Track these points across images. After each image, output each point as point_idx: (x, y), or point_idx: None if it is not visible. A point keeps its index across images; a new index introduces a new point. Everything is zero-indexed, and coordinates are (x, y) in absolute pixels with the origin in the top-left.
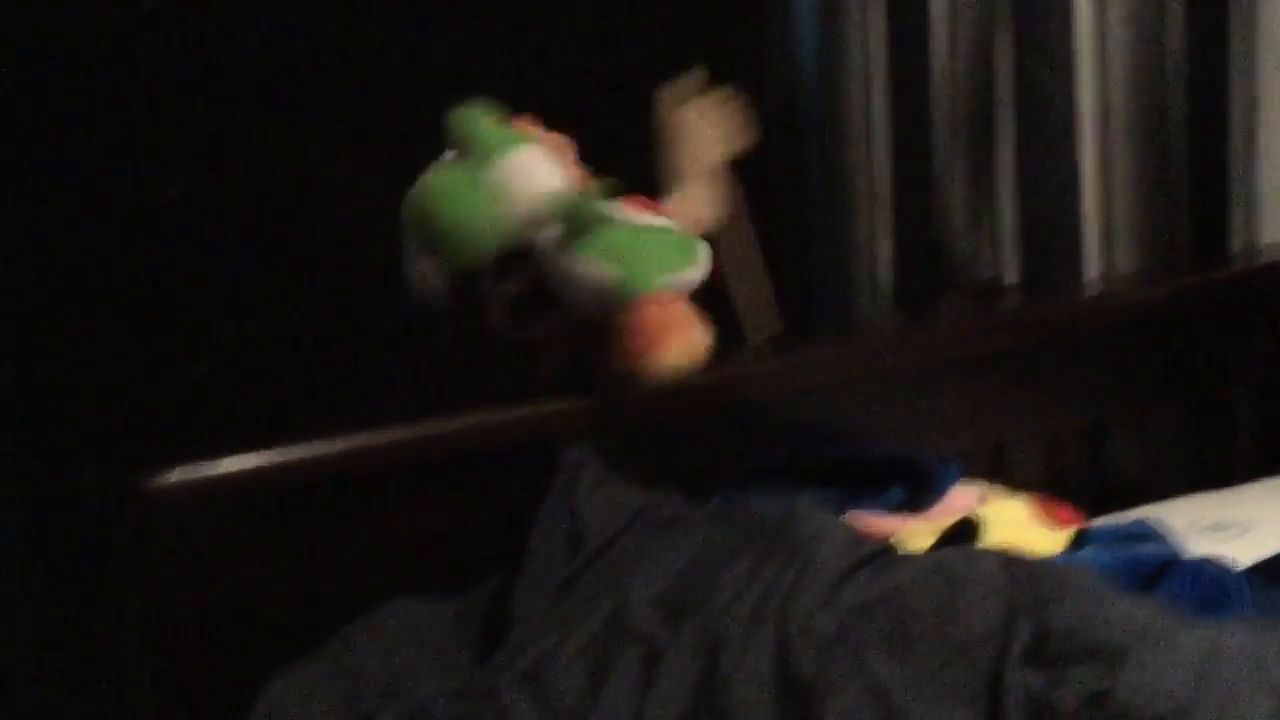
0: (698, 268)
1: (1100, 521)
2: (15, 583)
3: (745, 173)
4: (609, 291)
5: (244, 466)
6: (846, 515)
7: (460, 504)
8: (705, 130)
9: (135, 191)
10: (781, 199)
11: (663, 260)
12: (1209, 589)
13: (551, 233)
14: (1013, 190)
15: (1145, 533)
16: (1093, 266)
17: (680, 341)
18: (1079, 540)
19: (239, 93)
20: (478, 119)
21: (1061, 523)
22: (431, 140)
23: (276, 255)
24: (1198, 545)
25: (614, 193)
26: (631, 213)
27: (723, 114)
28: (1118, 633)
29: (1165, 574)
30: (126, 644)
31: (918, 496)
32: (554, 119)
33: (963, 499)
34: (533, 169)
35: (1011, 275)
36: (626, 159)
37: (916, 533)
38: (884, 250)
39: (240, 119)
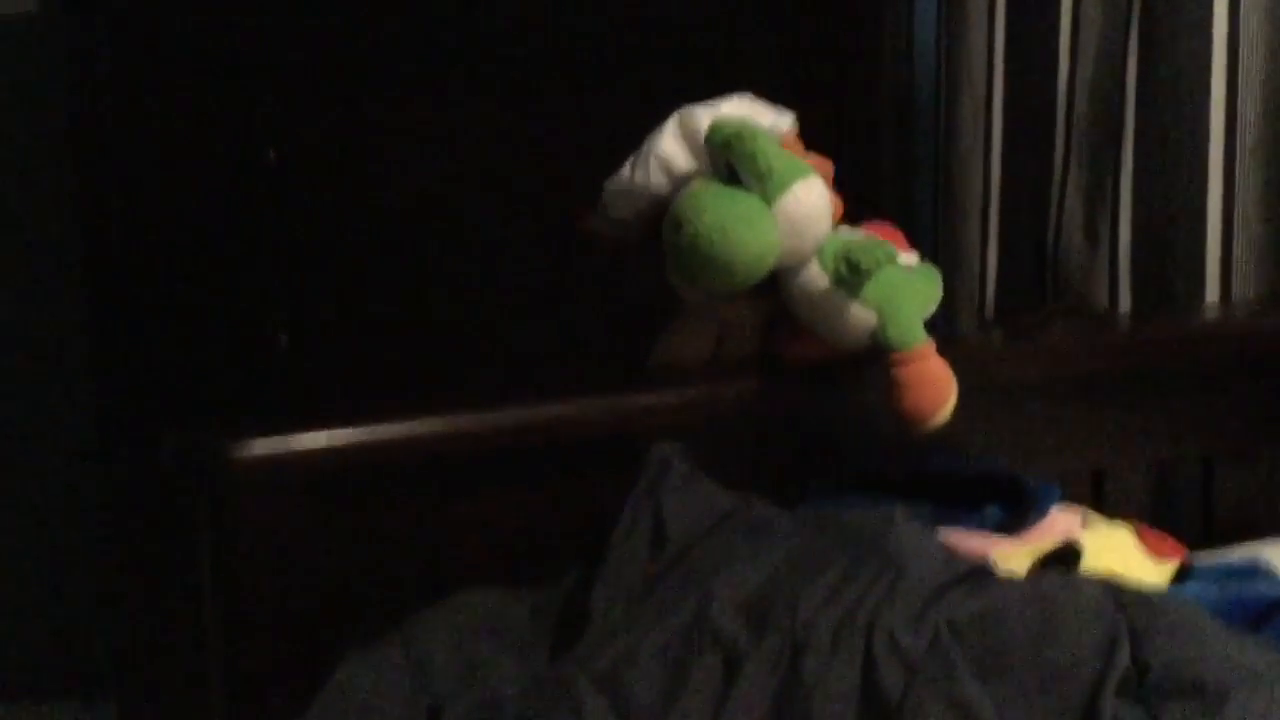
0: (936, 300)
1: (1206, 556)
2: (93, 551)
3: (855, 173)
4: (879, 340)
5: (327, 443)
6: (941, 532)
7: (543, 495)
8: None
9: (222, 164)
10: (891, 203)
11: (925, 306)
12: None
13: (817, 268)
14: (1131, 206)
15: (1254, 571)
16: (1213, 292)
17: (954, 393)
18: (1183, 574)
19: (325, 67)
20: (766, 143)
21: (1166, 555)
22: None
23: (366, 234)
24: None
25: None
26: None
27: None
28: (1220, 672)
29: (1274, 615)
30: (202, 616)
31: (1016, 517)
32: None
33: (1063, 523)
34: (819, 202)
35: (1125, 296)
36: None
37: (1014, 554)
38: (992, 262)
39: (330, 93)
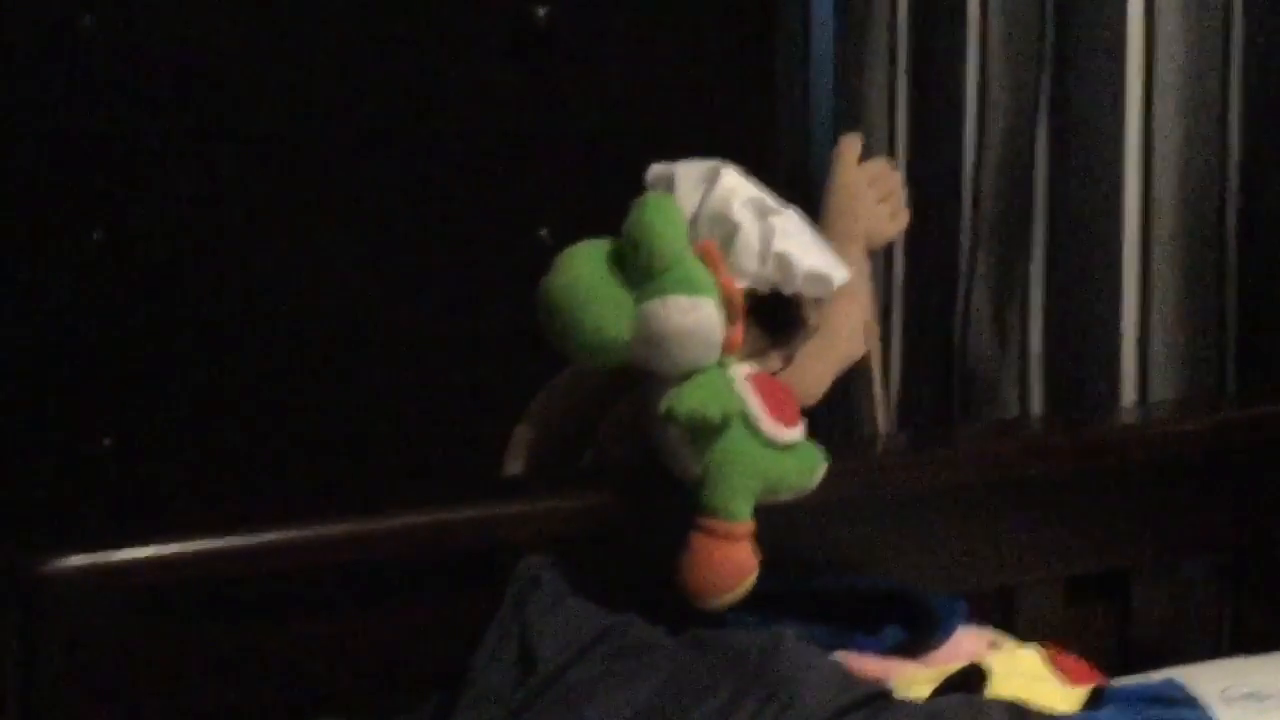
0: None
1: (1122, 680)
2: None
3: None
4: (694, 497)
5: (154, 554)
6: (836, 654)
7: (397, 613)
8: (874, 204)
9: (45, 246)
10: None
11: (770, 486)
12: None
13: (669, 401)
14: (1043, 300)
15: (1173, 695)
16: (1130, 393)
17: (745, 583)
18: (1097, 699)
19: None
20: (668, 237)
21: (1078, 679)
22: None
23: (199, 325)
24: (1230, 715)
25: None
26: (763, 405)
27: (898, 188)
28: None
29: None
30: None
31: (918, 638)
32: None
33: (969, 644)
34: (695, 328)
35: (1037, 397)
36: None
37: (915, 679)
38: (895, 359)
39: (161, 166)
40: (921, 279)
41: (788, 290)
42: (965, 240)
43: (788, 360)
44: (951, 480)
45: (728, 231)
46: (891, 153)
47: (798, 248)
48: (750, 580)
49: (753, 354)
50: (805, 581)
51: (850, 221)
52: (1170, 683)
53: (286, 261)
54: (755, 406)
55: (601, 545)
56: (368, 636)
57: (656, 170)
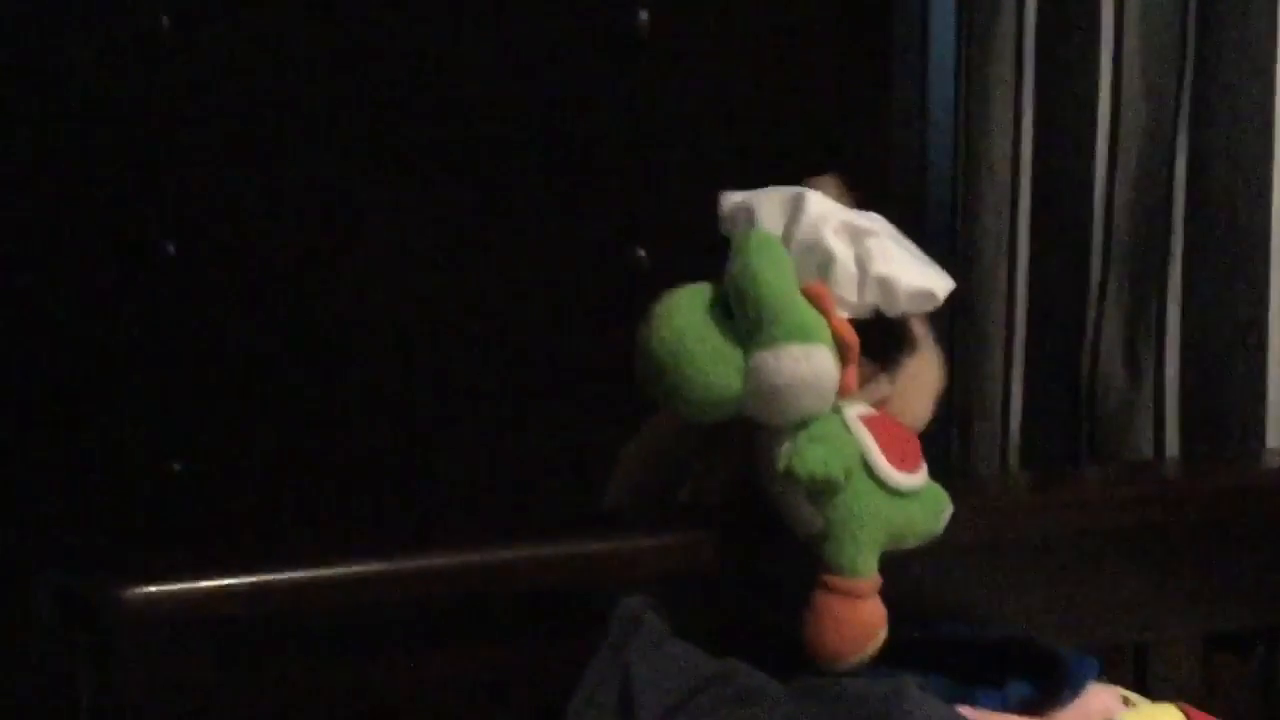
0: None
1: None
2: None
3: None
4: (815, 551)
5: (226, 586)
6: (959, 709)
7: (484, 652)
8: None
9: (113, 265)
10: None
11: (896, 537)
12: None
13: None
14: (1180, 333)
15: None
16: (1275, 435)
17: (876, 641)
18: None
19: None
20: (777, 284)
21: None
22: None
23: (274, 339)
24: None
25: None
26: (883, 450)
27: None
28: None
29: None
30: None
31: (1046, 695)
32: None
33: (1100, 701)
34: (810, 376)
35: (1174, 438)
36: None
37: None
38: (1016, 395)
39: (237, 177)
40: (1047, 305)
41: (892, 313)
42: (1096, 262)
43: (893, 382)
44: (1079, 525)
45: (822, 262)
46: (1014, 174)
47: (898, 268)
48: (881, 637)
49: (862, 381)
50: (924, 630)
51: None
52: None
53: (365, 281)
54: (875, 454)
55: (705, 586)
56: (456, 675)
57: (733, 201)
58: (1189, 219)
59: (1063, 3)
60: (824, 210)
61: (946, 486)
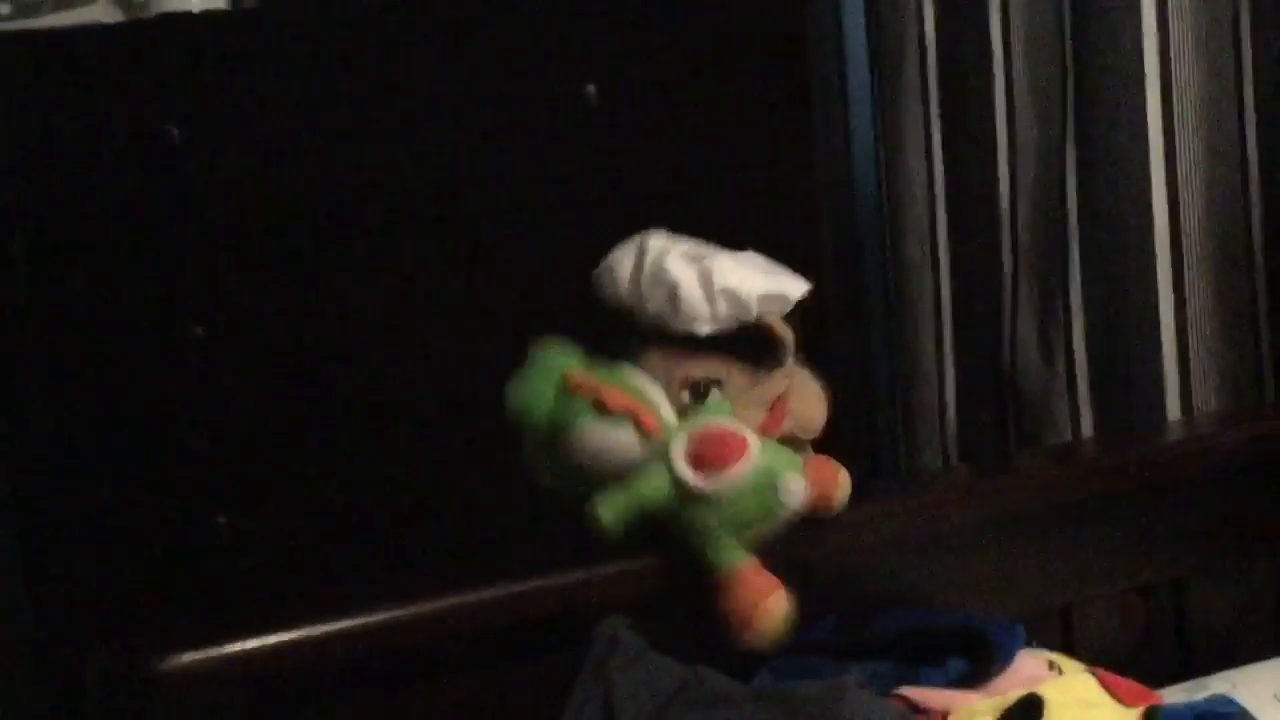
0: (788, 511)
1: (1174, 697)
2: None
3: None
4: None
5: (257, 646)
6: (903, 690)
7: (486, 680)
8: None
9: (148, 339)
10: (842, 333)
11: (753, 521)
12: None
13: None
14: (1084, 322)
15: (1225, 712)
16: (1173, 406)
17: (774, 614)
18: (1152, 719)
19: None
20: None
21: (1132, 700)
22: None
23: (300, 407)
24: None
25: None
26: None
27: None
28: None
29: None
30: None
31: (980, 669)
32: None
33: (1029, 668)
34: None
35: (1087, 414)
36: None
37: (977, 710)
38: (949, 377)
39: (262, 254)
40: (968, 308)
41: (749, 319)
42: (1007, 263)
43: (788, 376)
44: (1009, 510)
45: (670, 289)
46: (930, 191)
47: (740, 278)
48: (778, 608)
49: (753, 384)
50: (872, 624)
51: None
52: (1223, 699)
53: (376, 344)
54: (682, 471)
55: (673, 603)
56: (465, 699)
57: (597, 272)
58: (1082, 219)
59: (959, 38)
60: (662, 245)
61: (891, 484)
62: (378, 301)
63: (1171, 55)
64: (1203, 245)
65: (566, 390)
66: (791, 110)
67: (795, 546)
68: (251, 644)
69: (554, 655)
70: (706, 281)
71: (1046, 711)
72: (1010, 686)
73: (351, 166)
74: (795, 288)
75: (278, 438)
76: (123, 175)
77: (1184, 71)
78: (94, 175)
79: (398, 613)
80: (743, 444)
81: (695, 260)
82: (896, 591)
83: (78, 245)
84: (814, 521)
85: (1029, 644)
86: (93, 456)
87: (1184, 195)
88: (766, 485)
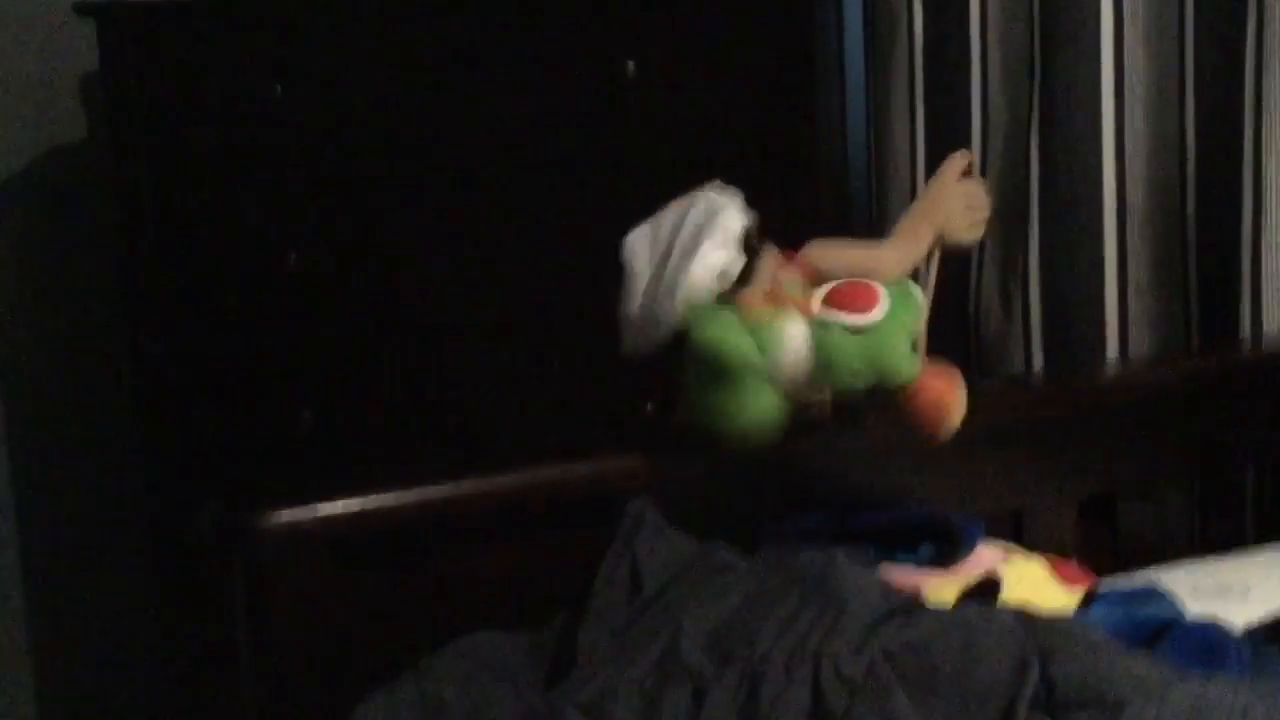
0: (922, 316)
1: (1110, 582)
2: (139, 612)
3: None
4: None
5: (339, 511)
6: (880, 569)
7: (533, 550)
8: (961, 208)
9: (251, 267)
10: None
11: (902, 342)
12: (1207, 648)
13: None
14: (1040, 278)
15: (1151, 594)
16: (1112, 350)
17: (957, 405)
18: (1090, 599)
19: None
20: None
21: (1074, 583)
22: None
23: (378, 326)
24: (1202, 606)
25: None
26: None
27: (984, 208)
28: (1118, 685)
29: (1167, 633)
30: (240, 666)
31: (947, 553)
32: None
33: (988, 557)
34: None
35: (1038, 357)
36: None
37: (944, 586)
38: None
39: (346, 195)
40: (941, 262)
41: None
42: None
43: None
44: (972, 426)
45: (634, 280)
46: (913, 164)
47: (681, 251)
48: (963, 400)
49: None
50: (855, 517)
51: (931, 206)
52: (1150, 585)
53: (439, 271)
54: (835, 317)
55: (693, 488)
56: (513, 568)
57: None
58: (1042, 191)
59: (942, 36)
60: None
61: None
62: (440, 239)
63: (1125, 56)
64: (1144, 216)
65: (751, 317)
66: (796, 93)
67: (785, 454)
68: (338, 508)
69: (588, 530)
70: (657, 274)
71: (1003, 589)
72: (973, 569)
73: (419, 124)
74: (733, 221)
75: (355, 348)
76: (234, 126)
77: (1135, 70)
78: (209, 125)
79: (456, 488)
80: (874, 291)
81: (695, 235)
82: (877, 492)
83: (197, 184)
84: (808, 427)
85: (985, 537)
86: (203, 355)
87: (1130, 175)
88: (904, 304)
